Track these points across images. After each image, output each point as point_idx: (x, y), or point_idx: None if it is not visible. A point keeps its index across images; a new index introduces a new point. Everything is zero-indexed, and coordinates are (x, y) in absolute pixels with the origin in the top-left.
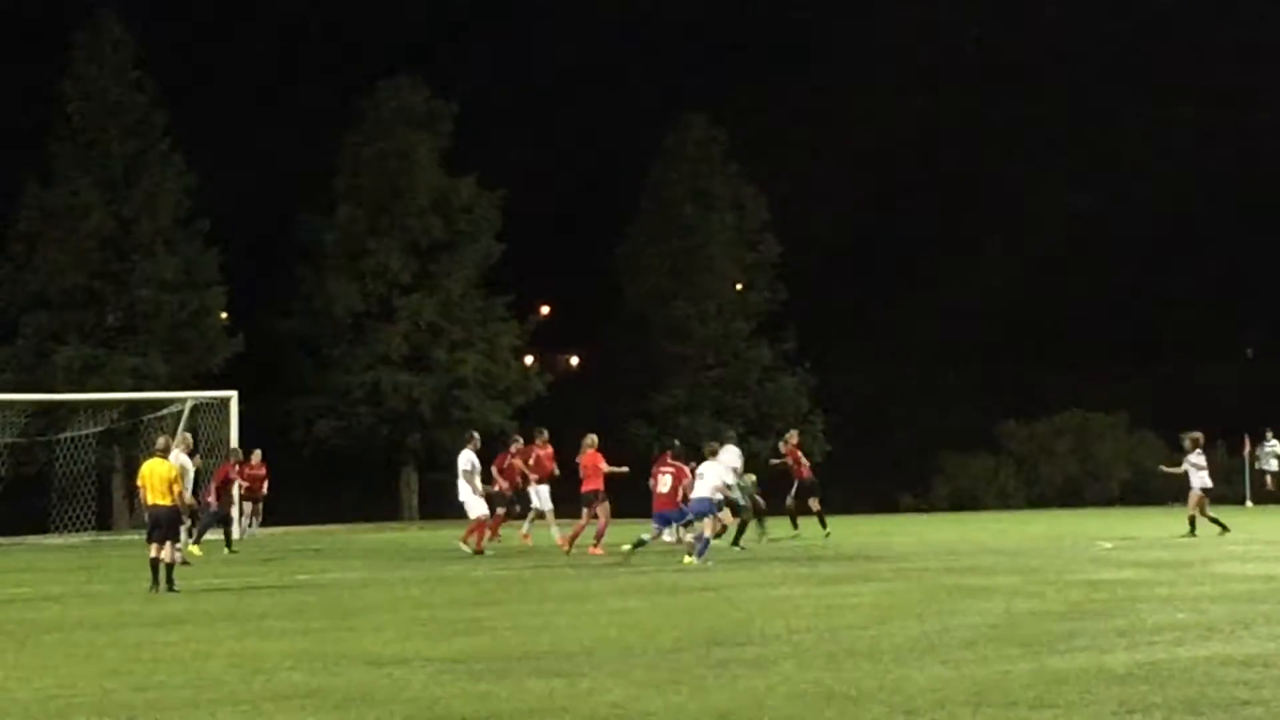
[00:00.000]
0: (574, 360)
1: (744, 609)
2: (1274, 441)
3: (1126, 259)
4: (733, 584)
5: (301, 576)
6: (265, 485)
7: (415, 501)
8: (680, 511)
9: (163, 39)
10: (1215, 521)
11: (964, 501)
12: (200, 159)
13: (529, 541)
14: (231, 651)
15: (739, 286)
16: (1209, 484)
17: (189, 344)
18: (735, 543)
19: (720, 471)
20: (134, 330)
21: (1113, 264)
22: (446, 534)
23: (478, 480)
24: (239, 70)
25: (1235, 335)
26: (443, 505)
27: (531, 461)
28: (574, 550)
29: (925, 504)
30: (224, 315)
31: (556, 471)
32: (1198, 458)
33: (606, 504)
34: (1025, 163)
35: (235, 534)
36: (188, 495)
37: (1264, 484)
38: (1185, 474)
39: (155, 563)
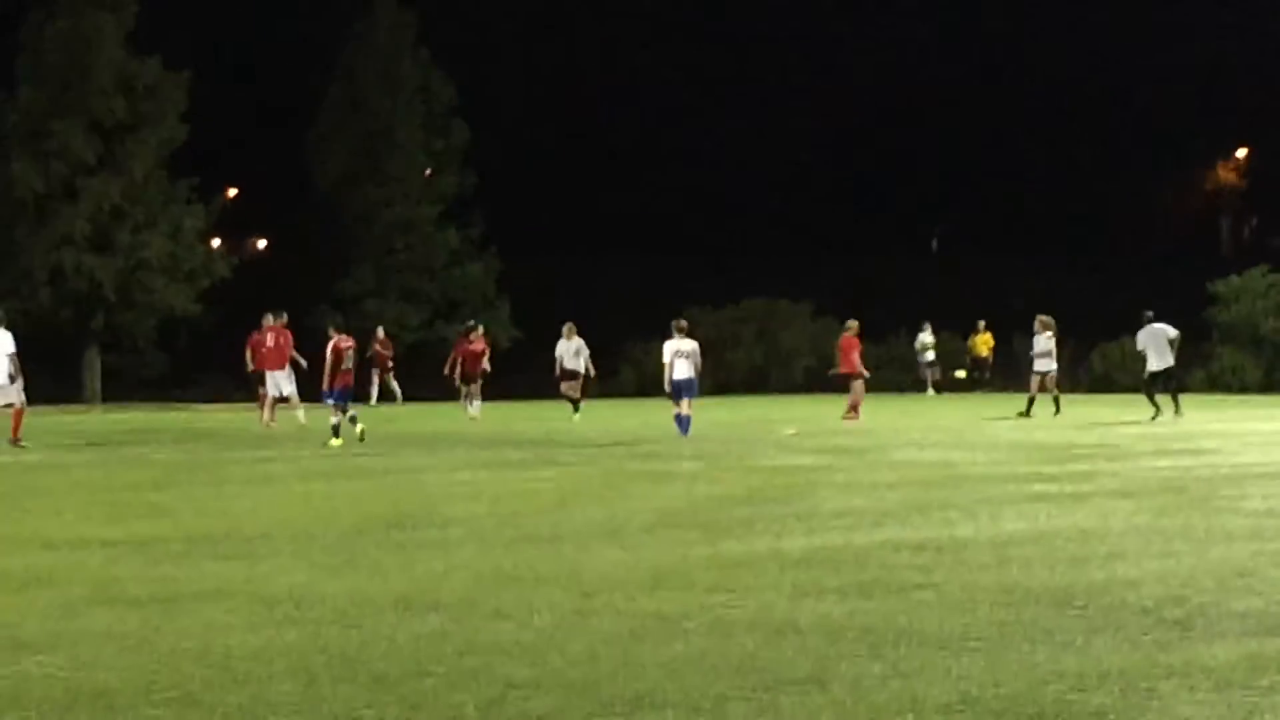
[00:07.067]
0: (261, 243)
1: (425, 493)
2: (923, 333)
3: (817, 146)
4: (415, 468)
5: None
6: None
7: (98, 384)
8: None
9: None
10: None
11: (648, 388)
12: None
13: None
14: None
15: (427, 171)
16: (1053, 367)
17: None
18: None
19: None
20: None
21: (801, 152)
22: (130, 416)
23: None
24: None
25: (921, 224)
26: (126, 388)
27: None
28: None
29: (613, 390)
30: None
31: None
32: (1047, 341)
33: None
34: (728, 54)
35: None
36: None
37: (928, 374)
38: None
39: None
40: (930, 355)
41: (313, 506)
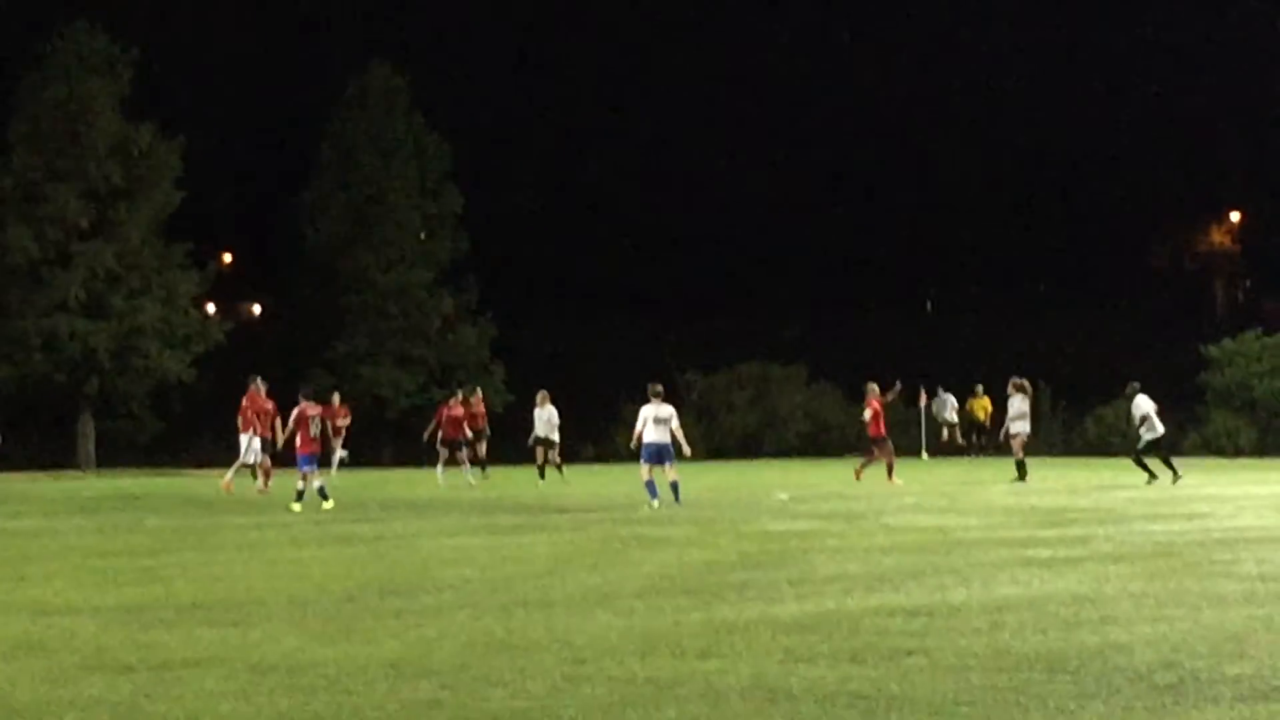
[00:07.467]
0: (256, 308)
1: (418, 558)
2: (948, 395)
3: (810, 210)
4: (407, 533)
5: None
6: None
7: (91, 449)
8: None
9: None
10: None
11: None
12: None
13: None
14: None
15: (421, 236)
16: (1026, 429)
17: None
18: None
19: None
20: None
21: (794, 216)
22: (123, 482)
23: None
24: None
25: (915, 288)
26: (119, 453)
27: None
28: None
29: (607, 454)
30: None
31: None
32: (1021, 403)
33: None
34: (721, 119)
35: None
36: None
37: (941, 436)
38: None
39: None
40: (953, 418)
41: (305, 572)
